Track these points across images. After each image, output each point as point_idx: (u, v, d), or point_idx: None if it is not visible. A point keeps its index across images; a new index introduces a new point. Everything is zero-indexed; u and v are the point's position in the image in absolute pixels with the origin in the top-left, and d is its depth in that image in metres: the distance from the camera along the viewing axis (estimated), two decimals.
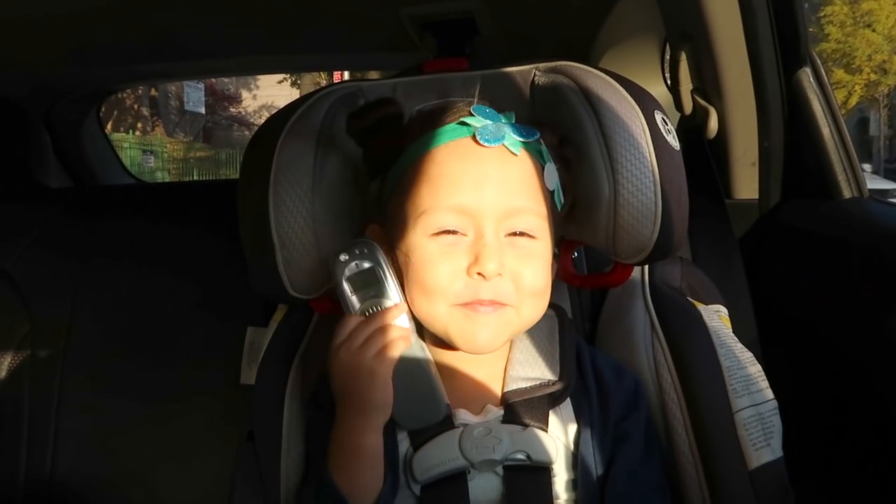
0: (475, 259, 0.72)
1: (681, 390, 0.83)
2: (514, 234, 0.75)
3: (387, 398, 0.74)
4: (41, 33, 1.46)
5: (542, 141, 0.78)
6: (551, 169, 0.78)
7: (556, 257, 0.83)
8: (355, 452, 0.73)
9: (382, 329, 0.75)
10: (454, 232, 0.74)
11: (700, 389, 0.82)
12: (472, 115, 0.76)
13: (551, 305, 0.86)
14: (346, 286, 0.76)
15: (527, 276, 0.75)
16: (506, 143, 0.75)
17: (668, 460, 0.84)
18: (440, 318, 0.75)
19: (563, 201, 0.81)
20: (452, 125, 0.76)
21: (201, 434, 1.37)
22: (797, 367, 1.05)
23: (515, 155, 0.75)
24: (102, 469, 1.41)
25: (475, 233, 0.73)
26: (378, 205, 0.83)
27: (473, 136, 0.75)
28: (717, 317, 0.91)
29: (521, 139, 0.76)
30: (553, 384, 0.79)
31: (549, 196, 0.78)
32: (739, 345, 0.87)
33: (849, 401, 0.98)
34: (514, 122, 0.78)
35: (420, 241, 0.74)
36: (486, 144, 0.74)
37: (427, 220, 0.74)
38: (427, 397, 0.77)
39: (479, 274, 0.72)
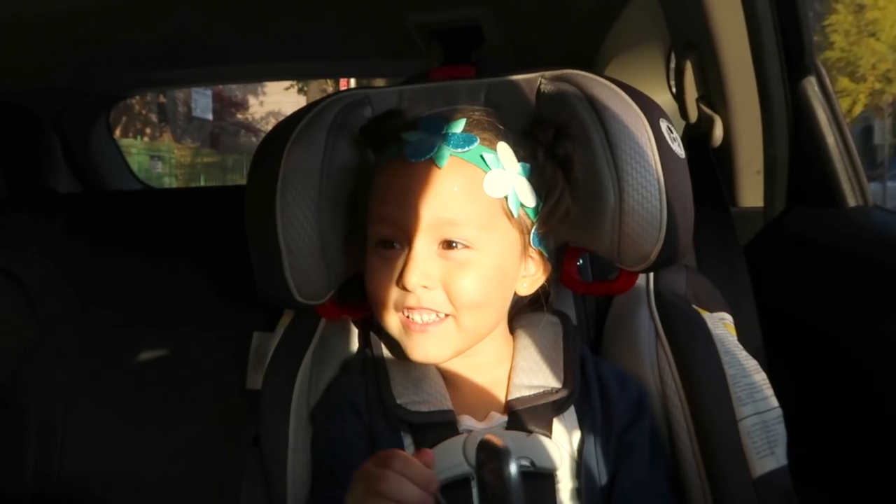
0: (401, 272, 0.75)
1: (685, 398, 0.83)
2: (449, 245, 0.75)
3: None
4: (51, 39, 1.47)
5: (492, 147, 0.77)
6: (499, 176, 0.76)
7: (551, 261, 0.83)
8: None
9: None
10: (391, 244, 0.76)
11: (704, 397, 0.82)
12: (415, 128, 0.78)
13: (556, 312, 0.87)
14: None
15: (461, 287, 0.75)
16: (433, 156, 0.75)
17: (672, 468, 0.84)
18: (390, 327, 0.78)
19: (536, 203, 0.79)
20: (396, 143, 0.78)
21: (206, 439, 1.37)
22: (802, 375, 1.05)
23: (440, 168, 0.75)
24: (109, 472, 1.41)
25: (407, 245, 0.75)
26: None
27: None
28: (721, 325, 0.91)
29: (455, 150, 0.75)
30: (557, 392, 0.79)
31: (497, 203, 0.76)
32: (744, 353, 0.87)
33: (854, 409, 0.98)
34: (460, 130, 0.76)
35: (369, 251, 0.79)
36: (410, 160, 0.75)
37: (370, 231, 0.79)
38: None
39: (404, 288, 0.74)
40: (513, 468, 0.59)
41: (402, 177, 0.76)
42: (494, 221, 0.76)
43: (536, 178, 0.78)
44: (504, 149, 0.77)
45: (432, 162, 0.75)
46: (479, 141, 0.76)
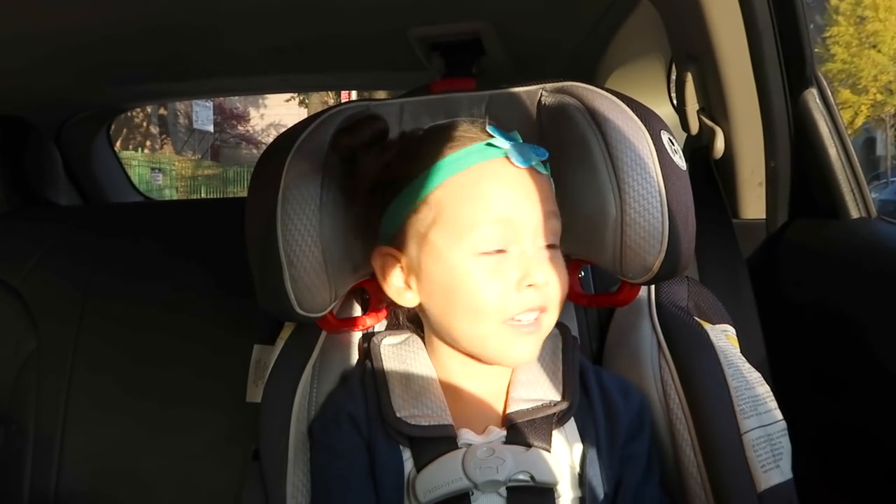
0: (525, 273, 0.74)
1: (688, 410, 0.83)
2: (545, 245, 0.77)
3: None
4: (53, 53, 1.48)
5: None
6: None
7: None
8: None
9: None
10: (500, 251, 0.75)
11: (708, 410, 0.82)
12: (490, 135, 0.77)
13: (556, 324, 0.86)
14: None
15: (559, 283, 0.77)
16: (534, 163, 0.77)
17: (676, 481, 0.83)
18: (486, 336, 0.76)
19: None
20: (479, 146, 0.77)
21: (206, 452, 1.36)
22: (806, 388, 1.04)
23: (542, 174, 0.78)
24: (107, 487, 1.40)
25: (517, 248, 0.75)
26: (370, 224, 0.82)
27: (506, 157, 0.76)
28: (724, 336, 0.90)
29: (540, 158, 0.78)
30: (556, 404, 0.79)
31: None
32: (747, 365, 0.87)
33: (857, 422, 0.98)
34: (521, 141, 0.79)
35: (464, 262, 0.75)
36: (519, 165, 0.76)
37: (471, 239, 0.75)
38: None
39: (529, 286, 0.74)
40: None
41: (511, 180, 0.76)
42: None
43: None
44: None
45: (532, 167, 0.77)
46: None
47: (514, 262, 0.75)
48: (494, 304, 0.75)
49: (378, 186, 0.80)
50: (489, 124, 0.79)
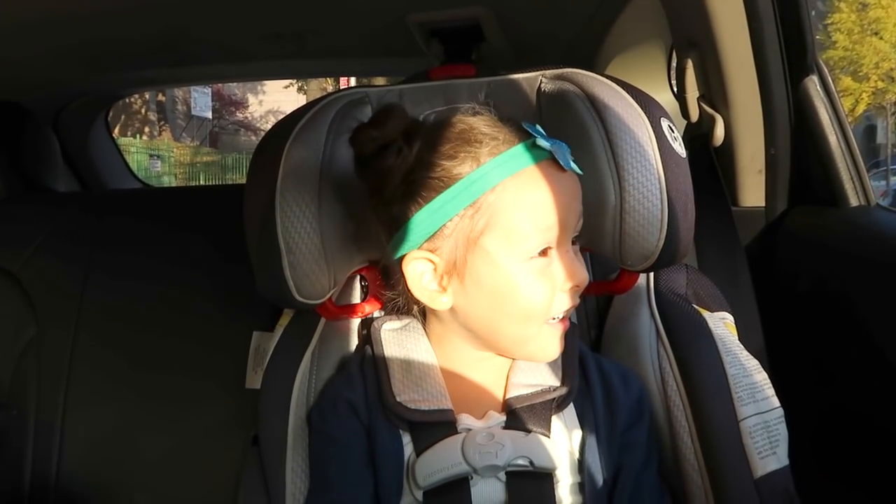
0: (570, 274, 0.75)
1: (686, 398, 0.83)
2: (574, 242, 0.78)
3: None
4: (50, 39, 1.47)
5: None
6: None
7: None
8: None
9: None
10: (545, 254, 0.75)
11: (705, 397, 0.82)
12: (524, 130, 0.76)
13: None
14: None
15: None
16: (573, 166, 0.76)
17: (673, 468, 0.84)
18: (532, 336, 0.77)
19: None
20: (524, 147, 0.74)
21: (206, 439, 1.37)
22: (803, 375, 1.05)
23: (580, 174, 0.77)
24: (107, 472, 1.41)
25: (557, 249, 0.75)
26: (394, 221, 0.76)
27: (552, 159, 0.74)
28: (722, 324, 0.90)
29: (572, 157, 0.76)
30: (555, 390, 0.79)
31: None
32: (745, 352, 0.87)
33: (855, 409, 0.98)
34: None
35: (517, 267, 0.74)
36: (566, 168, 0.74)
37: (525, 246, 0.73)
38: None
39: (576, 286, 0.76)
40: None
41: (559, 184, 0.74)
42: None
43: None
44: None
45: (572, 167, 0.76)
46: None
47: (558, 264, 0.75)
48: (544, 305, 0.75)
49: (409, 184, 0.74)
50: (525, 122, 0.77)
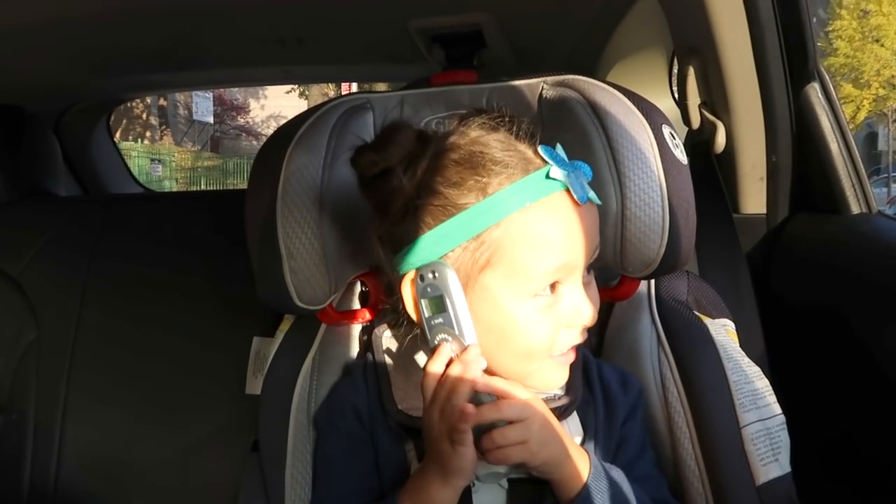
0: (576, 312, 0.71)
1: (687, 404, 0.83)
2: (589, 271, 0.74)
3: (471, 465, 0.68)
4: (52, 42, 1.47)
5: None
6: None
7: None
8: (428, 500, 0.71)
9: (465, 382, 0.68)
10: (553, 288, 0.71)
11: (707, 404, 0.82)
12: (535, 151, 0.71)
13: None
14: (424, 309, 0.70)
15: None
16: (591, 196, 0.71)
17: (674, 474, 0.83)
18: (532, 371, 0.73)
19: None
20: (536, 178, 0.69)
21: (206, 443, 1.36)
22: (805, 382, 1.04)
23: (595, 204, 0.73)
24: (106, 478, 1.41)
25: (566, 284, 0.71)
26: (398, 242, 0.73)
27: (567, 191, 0.69)
28: (724, 331, 0.90)
29: (589, 179, 0.72)
30: (559, 399, 0.79)
31: None
32: (747, 359, 0.87)
33: (856, 416, 0.98)
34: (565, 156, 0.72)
35: (518, 305, 0.70)
36: (581, 203, 0.69)
37: (530, 285, 0.69)
38: None
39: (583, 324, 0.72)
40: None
41: (572, 220, 0.70)
42: None
43: None
44: None
45: (589, 200, 0.71)
46: None
47: (565, 301, 0.71)
48: (545, 344, 0.71)
49: (412, 209, 0.71)
50: (539, 143, 0.71)
